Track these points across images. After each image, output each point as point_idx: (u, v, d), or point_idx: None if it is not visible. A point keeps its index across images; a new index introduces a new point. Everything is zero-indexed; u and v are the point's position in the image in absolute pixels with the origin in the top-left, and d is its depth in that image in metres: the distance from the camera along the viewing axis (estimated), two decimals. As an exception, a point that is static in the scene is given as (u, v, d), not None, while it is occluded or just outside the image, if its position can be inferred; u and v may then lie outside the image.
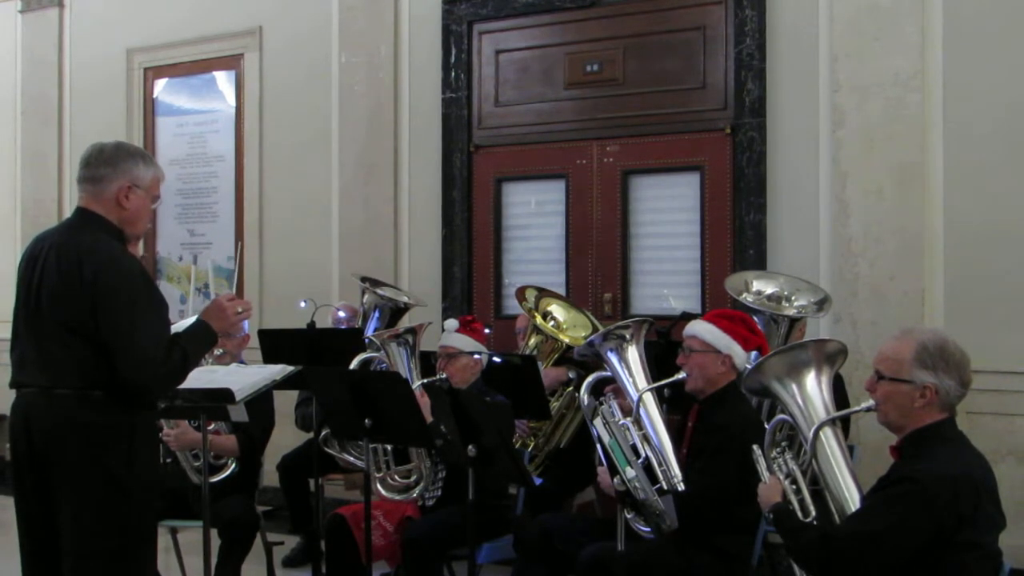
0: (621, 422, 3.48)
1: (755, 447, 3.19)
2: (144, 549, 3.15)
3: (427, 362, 4.72)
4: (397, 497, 4.39)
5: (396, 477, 4.44)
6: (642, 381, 3.90)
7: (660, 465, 3.57)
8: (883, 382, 2.88)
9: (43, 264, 3.11)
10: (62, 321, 3.05)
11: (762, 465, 3.14)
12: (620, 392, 3.92)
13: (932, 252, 5.07)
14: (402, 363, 4.56)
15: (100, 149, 3.24)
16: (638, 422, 3.68)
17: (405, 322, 5.76)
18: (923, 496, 2.69)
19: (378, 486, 4.39)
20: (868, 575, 2.77)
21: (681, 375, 3.76)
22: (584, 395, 3.92)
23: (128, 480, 3.06)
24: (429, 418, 4.04)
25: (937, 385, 2.82)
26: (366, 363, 4.50)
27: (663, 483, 3.50)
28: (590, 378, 3.96)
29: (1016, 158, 4.93)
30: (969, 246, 4.99)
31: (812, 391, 3.11)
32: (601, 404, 3.53)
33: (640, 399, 3.77)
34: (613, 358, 3.97)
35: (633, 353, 3.97)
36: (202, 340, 3.29)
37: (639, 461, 3.46)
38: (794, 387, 3.12)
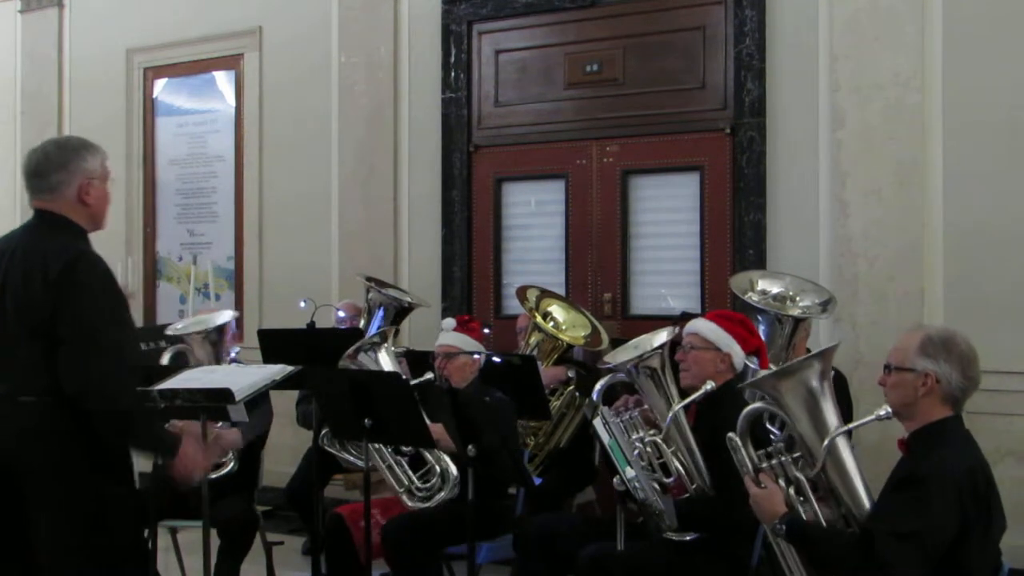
0: (647, 438, 3.54)
1: (730, 435, 3.04)
2: (130, 553, 3.09)
3: (424, 362, 4.71)
4: (424, 505, 4.28)
5: (418, 484, 4.34)
6: (675, 397, 3.74)
7: (692, 483, 3.58)
8: (892, 374, 2.91)
9: (7, 266, 3.03)
10: (26, 323, 2.97)
11: (742, 454, 3.02)
12: (640, 402, 3.83)
13: (932, 252, 5.07)
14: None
15: (45, 155, 3.14)
16: (668, 439, 3.60)
17: (407, 323, 5.77)
18: (952, 490, 2.71)
19: (404, 499, 4.33)
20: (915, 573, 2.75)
21: (709, 385, 3.63)
22: (596, 398, 3.74)
23: (102, 486, 2.98)
24: (448, 442, 4.02)
25: (937, 372, 2.82)
26: None
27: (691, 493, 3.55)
28: (601, 383, 3.84)
29: (1016, 158, 4.93)
30: (969, 246, 4.99)
31: (825, 405, 2.95)
32: (619, 415, 3.56)
33: (674, 416, 3.61)
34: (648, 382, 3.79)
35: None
36: (160, 438, 3.18)
37: (670, 480, 3.50)
38: (802, 404, 2.95)
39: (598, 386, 3.75)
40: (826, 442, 2.91)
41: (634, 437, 3.58)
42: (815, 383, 2.98)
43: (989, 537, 2.79)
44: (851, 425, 3.00)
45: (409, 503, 4.31)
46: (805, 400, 2.96)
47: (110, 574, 3.02)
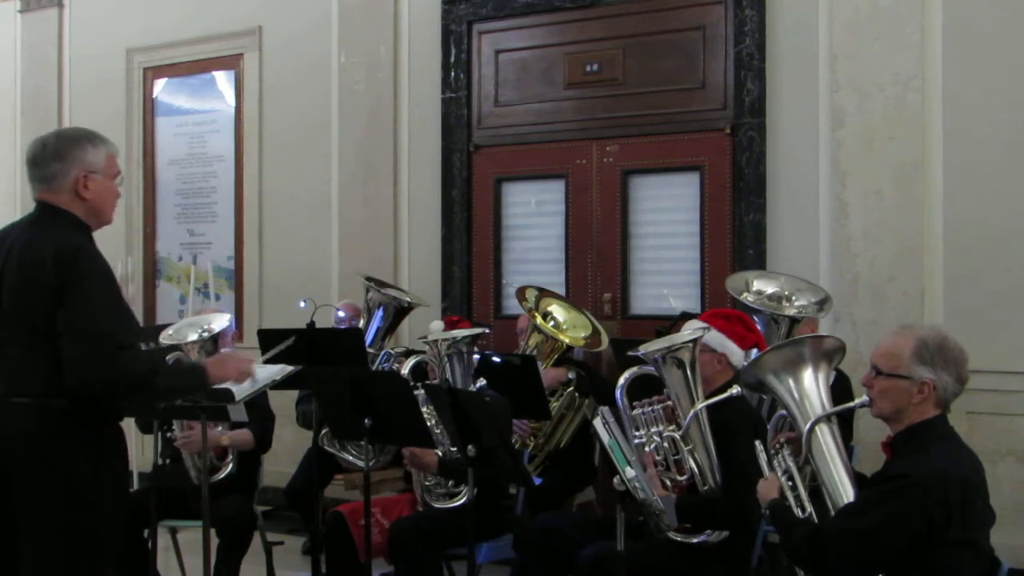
0: (667, 433, 3.55)
1: (757, 443, 3.19)
2: (110, 566, 3.04)
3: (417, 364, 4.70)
4: (449, 504, 4.27)
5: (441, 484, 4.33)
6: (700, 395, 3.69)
7: (704, 485, 3.57)
8: (880, 378, 2.88)
9: (5, 261, 2.95)
10: (24, 320, 2.89)
11: (763, 459, 3.14)
12: (661, 400, 3.80)
13: (932, 252, 5.07)
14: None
15: (43, 144, 3.06)
16: (687, 436, 3.59)
17: (406, 322, 5.77)
18: (913, 492, 2.70)
19: (424, 497, 4.31)
20: (858, 571, 2.78)
21: (736, 390, 3.56)
22: (620, 392, 3.70)
23: (94, 496, 2.89)
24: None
25: (935, 381, 2.82)
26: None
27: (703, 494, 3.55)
28: (625, 376, 3.75)
29: (1016, 158, 4.93)
30: (969, 246, 4.99)
31: (809, 387, 3.09)
32: (634, 409, 3.58)
33: (696, 415, 3.60)
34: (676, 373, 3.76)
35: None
36: (186, 376, 3.18)
37: (684, 478, 3.51)
38: (791, 382, 3.09)
39: (622, 379, 3.71)
40: (807, 426, 2.95)
41: (653, 430, 3.60)
42: (803, 367, 3.07)
43: (969, 543, 2.76)
44: (831, 410, 3.05)
45: (434, 504, 4.29)
46: (792, 383, 3.06)
47: None
